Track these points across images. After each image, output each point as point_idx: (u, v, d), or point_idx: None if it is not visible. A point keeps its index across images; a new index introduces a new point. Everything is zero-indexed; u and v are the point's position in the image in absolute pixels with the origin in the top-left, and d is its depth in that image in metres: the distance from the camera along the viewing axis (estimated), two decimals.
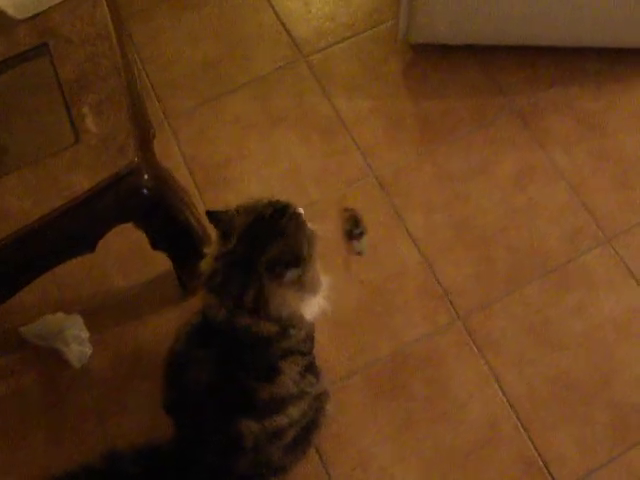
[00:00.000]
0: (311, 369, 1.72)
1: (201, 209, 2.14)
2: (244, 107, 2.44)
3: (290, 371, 1.61)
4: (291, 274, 1.49)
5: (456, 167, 2.29)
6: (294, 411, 1.63)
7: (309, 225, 1.58)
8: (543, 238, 2.16)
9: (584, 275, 2.10)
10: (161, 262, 2.02)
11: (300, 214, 1.57)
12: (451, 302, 2.08)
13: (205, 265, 1.56)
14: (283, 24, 2.61)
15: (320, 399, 1.75)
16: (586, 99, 2.37)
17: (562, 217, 2.19)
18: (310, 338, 1.69)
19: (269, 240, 1.50)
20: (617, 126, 2.31)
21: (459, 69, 2.45)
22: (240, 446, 1.58)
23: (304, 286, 1.54)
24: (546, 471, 1.86)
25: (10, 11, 1.72)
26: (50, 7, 1.73)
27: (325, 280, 1.64)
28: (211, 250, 1.57)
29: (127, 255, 2.19)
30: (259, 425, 1.57)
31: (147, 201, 1.61)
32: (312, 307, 1.61)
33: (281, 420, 1.61)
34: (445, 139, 2.34)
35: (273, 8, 2.65)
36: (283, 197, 2.16)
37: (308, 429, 1.73)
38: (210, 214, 1.53)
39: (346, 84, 2.47)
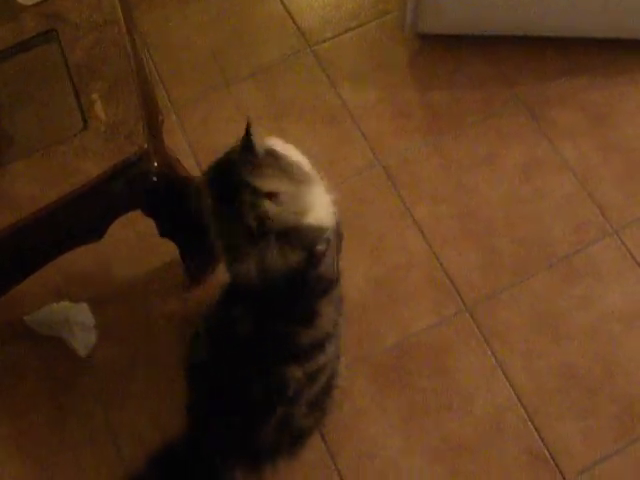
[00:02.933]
0: (341, 300, 1.72)
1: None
2: (250, 96, 2.43)
3: (327, 310, 1.63)
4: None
5: (463, 158, 2.28)
6: (330, 348, 1.65)
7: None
8: (549, 229, 2.15)
9: (590, 266, 2.10)
10: (167, 251, 2.02)
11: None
12: (458, 292, 2.07)
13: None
14: (289, 13, 2.60)
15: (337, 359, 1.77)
16: (593, 91, 2.36)
17: (569, 208, 2.18)
18: (334, 261, 1.67)
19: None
20: (624, 118, 2.31)
21: (466, 60, 2.44)
22: (283, 396, 1.61)
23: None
24: (552, 462, 1.86)
25: None
26: None
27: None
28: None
29: (133, 244, 2.18)
30: (302, 369, 1.60)
31: (155, 188, 1.61)
32: (321, 203, 1.61)
33: (321, 359, 1.63)
34: (452, 130, 2.33)
35: None
36: None
37: (330, 382, 1.75)
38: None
39: (352, 74, 2.46)
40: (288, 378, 1.58)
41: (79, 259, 2.10)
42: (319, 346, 1.62)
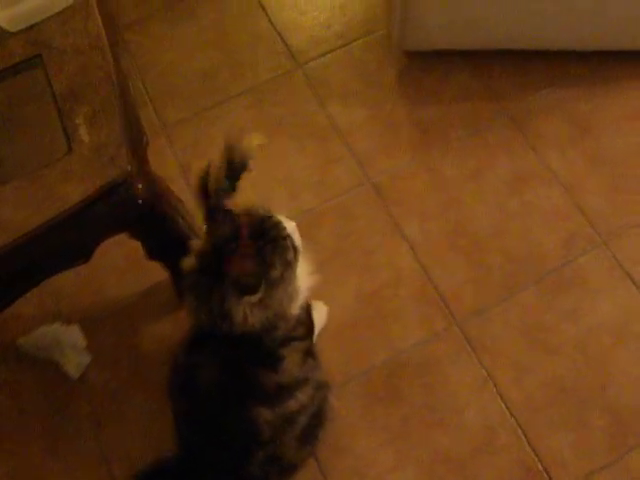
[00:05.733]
0: (311, 353, 1.74)
1: (198, 219, 2.14)
2: (240, 116, 2.45)
3: (292, 357, 1.63)
4: (248, 299, 1.48)
5: (451, 173, 2.29)
6: (302, 395, 1.64)
7: (295, 240, 1.56)
8: (538, 242, 2.16)
9: (580, 278, 2.10)
10: (158, 271, 2.02)
11: (283, 238, 1.53)
12: (447, 308, 2.08)
13: (187, 263, 1.56)
14: (279, 33, 2.63)
15: (323, 387, 1.76)
16: (578, 102, 2.37)
17: (557, 220, 2.19)
18: (302, 323, 1.68)
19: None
20: (609, 128, 2.32)
21: (453, 75, 2.46)
22: (258, 438, 1.60)
23: (268, 305, 1.51)
24: (545, 475, 1.86)
25: (3, 24, 1.73)
26: (43, 19, 1.74)
27: (303, 271, 1.63)
28: (196, 245, 1.56)
29: (124, 265, 2.19)
30: (272, 412, 1.59)
31: (141, 211, 1.61)
32: (293, 305, 1.60)
33: (291, 405, 1.62)
34: (440, 145, 2.34)
35: (269, 17, 2.66)
36: (279, 206, 2.20)
37: (317, 419, 1.74)
38: (210, 211, 1.52)
39: (341, 92, 2.48)
40: (258, 421, 1.57)
41: (71, 281, 2.13)
42: (287, 391, 1.62)
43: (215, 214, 1.51)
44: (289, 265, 1.52)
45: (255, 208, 1.57)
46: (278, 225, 1.53)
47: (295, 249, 1.55)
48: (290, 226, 1.56)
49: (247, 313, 1.50)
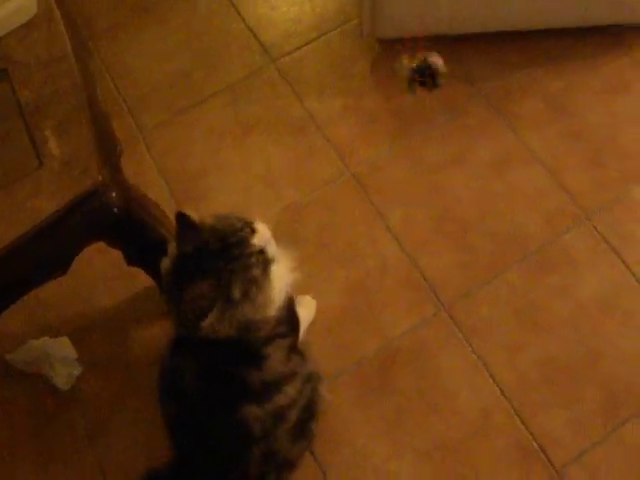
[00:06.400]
0: (296, 349, 1.74)
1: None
2: (216, 116, 2.45)
3: (276, 354, 1.63)
4: (209, 318, 1.46)
5: (432, 158, 2.29)
6: (291, 389, 1.64)
7: (269, 251, 1.54)
8: (522, 222, 2.16)
9: (566, 255, 2.10)
10: (144, 277, 2.02)
11: (248, 256, 1.50)
12: (435, 293, 2.08)
13: (164, 265, 1.56)
14: (251, 30, 2.62)
15: (312, 378, 1.75)
16: (552, 80, 2.37)
17: (540, 199, 2.19)
18: (283, 322, 1.66)
19: (200, 276, 1.48)
20: (585, 104, 2.32)
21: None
22: (250, 436, 1.59)
23: (234, 317, 1.50)
24: (542, 454, 1.86)
25: None
26: (6, 33, 1.73)
27: (284, 269, 1.62)
28: (170, 250, 1.56)
29: (111, 272, 2.19)
30: (261, 409, 1.58)
31: (117, 219, 1.61)
32: (271, 308, 1.58)
33: (280, 399, 1.62)
34: (419, 131, 2.34)
35: (240, 14, 2.66)
36: (260, 203, 2.20)
37: (309, 411, 1.74)
38: (181, 218, 1.51)
39: (317, 85, 2.47)
40: (248, 419, 1.57)
41: (58, 292, 2.12)
42: (274, 387, 1.61)
43: (183, 230, 1.51)
44: (254, 282, 1.49)
45: (229, 218, 1.55)
46: (243, 242, 1.50)
47: (265, 263, 1.52)
48: (264, 236, 1.54)
49: (214, 324, 1.48)
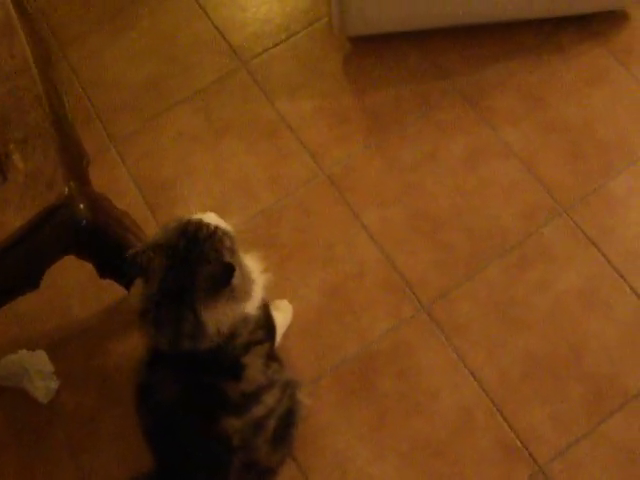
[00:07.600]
0: (273, 356, 1.73)
1: (154, 228, 2.12)
2: (187, 121, 2.42)
3: (254, 363, 1.62)
4: (230, 290, 1.48)
5: (406, 156, 2.27)
6: (268, 399, 1.64)
7: (223, 226, 1.56)
8: (499, 217, 2.15)
9: (543, 249, 2.09)
10: (119, 288, 2.00)
11: (213, 231, 1.53)
12: (413, 293, 2.06)
13: (135, 301, 1.55)
14: (220, 32, 2.60)
15: (290, 385, 1.74)
16: (528, 73, 2.35)
17: (516, 193, 2.17)
18: (261, 326, 1.67)
19: (194, 274, 1.48)
20: (559, 97, 2.30)
21: (399, 57, 2.43)
22: (230, 447, 1.58)
23: (237, 296, 1.52)
24: (525, 452, 1.85)
25: None
26: None
27: (255, 270, 1.63)
28: (136, 290, 1.55)
29: (85, 284, 2.16)
30: (240, 420, 1.58)
31: (85, 231, 1.59)
32: (252, 303, 1.59)
33: (258, 410, 1.61)
34: (392, 129, 2.32)
35: (208, 16, 2.63)
36: (234, 208, 2.18)
37: (288, 419, 1.73)
38: (128, 262, 1.49)
39: (288, 86, 2.45)
40: (227, 430, 1.56)
41: (34, 305, 2.10)
42: (253, 397, 1.61)
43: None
44: (231, 252, 1.52)
45: (171, 223, 1.56)
46: (201, 226, 1.52)
47: (229, 236, 1.54)
48: (211, 216, 1.58)
49: (220, 320, 1.49)
